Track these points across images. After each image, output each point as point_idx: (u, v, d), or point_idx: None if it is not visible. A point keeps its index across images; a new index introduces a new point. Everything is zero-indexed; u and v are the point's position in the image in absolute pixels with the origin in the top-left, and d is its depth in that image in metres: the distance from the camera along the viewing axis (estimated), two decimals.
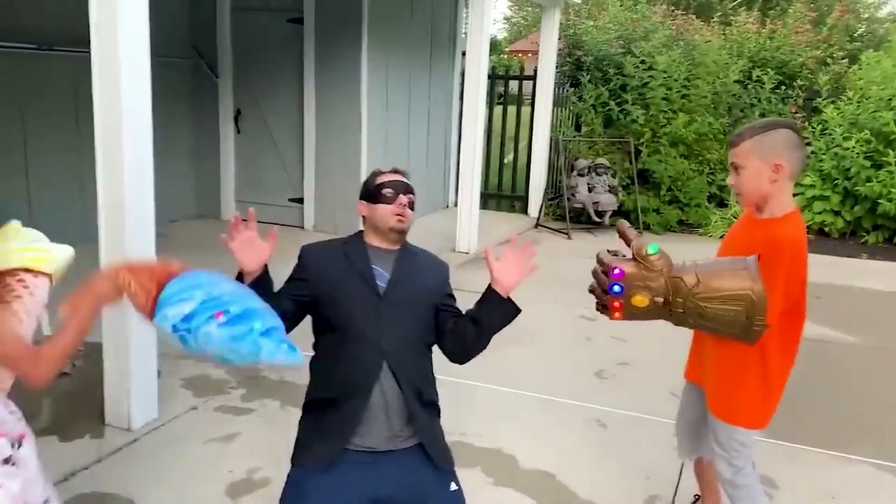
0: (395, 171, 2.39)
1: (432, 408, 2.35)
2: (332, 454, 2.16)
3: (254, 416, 3.31)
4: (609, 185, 8.11)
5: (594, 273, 2.08)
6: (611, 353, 4.33)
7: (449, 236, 6.65)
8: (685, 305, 1.99)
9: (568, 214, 7.99)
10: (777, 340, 2.11)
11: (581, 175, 8.14)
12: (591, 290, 2.10)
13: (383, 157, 7.06)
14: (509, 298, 2.20)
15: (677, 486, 2.65)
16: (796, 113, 8.52)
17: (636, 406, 3.56)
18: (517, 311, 2.24)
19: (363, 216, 2.35)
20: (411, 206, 2.34)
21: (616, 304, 2.01)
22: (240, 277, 2.10)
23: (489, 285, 2.21)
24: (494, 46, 29.56)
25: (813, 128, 8.18)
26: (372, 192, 2.35)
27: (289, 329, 2.08)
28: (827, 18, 10.02)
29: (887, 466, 3.16)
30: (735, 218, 7.80)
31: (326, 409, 2.22)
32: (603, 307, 2.07)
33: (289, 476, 2.19)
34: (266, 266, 2.13)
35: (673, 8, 10.39)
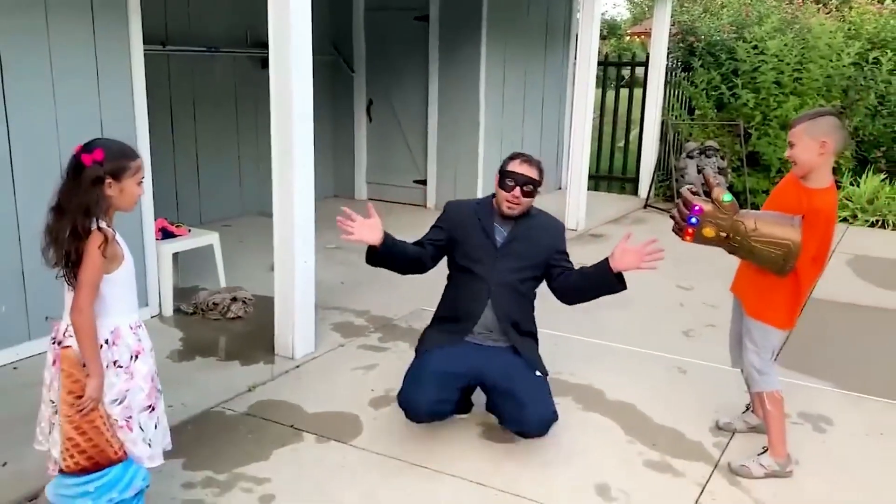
0: (527, 161, 3.04)
1: (529, 335, 3.10)
2: (451, 342, 3.02)
3: (388, 353, 4.05)
4: (718, 167, 8.36)
5: (677, 205, 2.73)
6: (701, 316, 4.79)
7: (559, 215, 7.17)
8: (741, 242, 2.65)
9: (676, 195, 8.32)
10: (807, 266, 2.73)
11: (690, 157, 8.44)
12: (672, 216, 2.77)
13: (499, 144, 7.70)
14: (619, 276, 2.88)
15: (744, 411, 3.27)
16: None
17: (716, 359, 4.00)
18: (622, 287, 2.93)
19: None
20: (530, 194, 3.01)
21: (690, 230, 2.69)
22: (370, 250, 2.88)
23: (606, 257, 2.91)
24: (615, 29, 29.41)
25: None
26: (500, 174, 3.08)
27: (431, 265, 3.05)
28: None
29: None
30: (848, 199, 7.98)
31: (446, 323, 3.07)
32: (679, 230, 2.73)
33: (416, 357, 3.09)
34: (385, 233, 2.85)
35: None
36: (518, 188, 2.99)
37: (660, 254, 2.86)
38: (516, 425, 2.93)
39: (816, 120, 2.71)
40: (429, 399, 2.85)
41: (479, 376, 2.97)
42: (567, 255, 3.18)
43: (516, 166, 3.02)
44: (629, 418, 3.39)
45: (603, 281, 2.94)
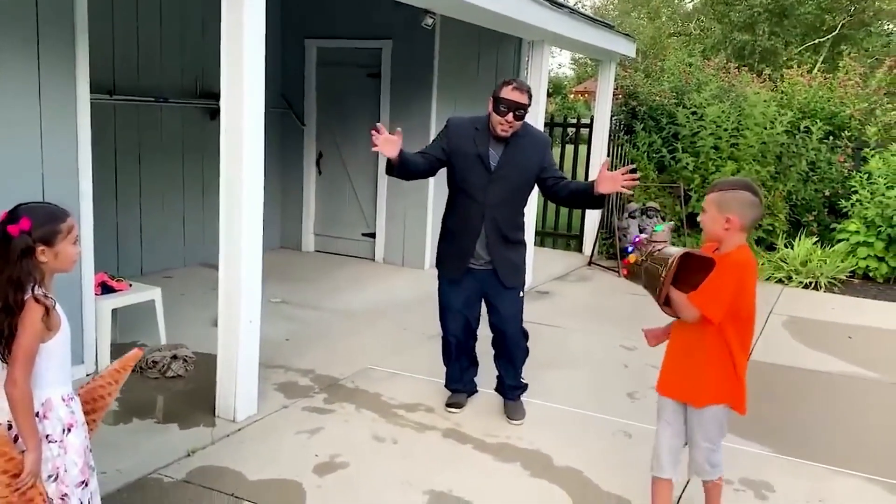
0: (517, 89, 3.45)
1: (517, 244, 3.70)
2: (459, 273, 3.72)
3: (334, 415, 3.97)
4: None
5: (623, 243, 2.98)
6: (644, 378, 4.83)
7: None
8: (643, 262, 2.66)
9: (619, 253, 8.51)
10: (735, 341, 2.64)
11: (632, 217, 8.66)
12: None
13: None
14: (601, 196, 3.39)
15: (686, 484, 3.23)
16: (844, 162, 8.87)
17: None
18: (602, 206, 3.75)
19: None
20: (521, 118, 3.47)
21: (625, 260, 2.79)
22: (389, 163, 3.36)
23: (592, 181, 3.40)
24: (559, 87, 30.25)
25: (861, 176, 8.55)
26: (494, 99, 3.48)
27: (430, 174, 3.68)
28: (877, 72, 10.33)
29: (877, 481, 3.60)
30: (783, 261, 8.27)
31: (452, 237, 3.73)
32: (621, 262, 2.87)
33: (439, 282, 3.82)
34: (401, 150, 3.34)
35: (727, 60, 10.86)
36: (511, 113, 3.42)
37: (634, 182, 3.33)
38: (499, 334, 3.89)
39: (727, 193, 2.59)
40: (459, 327, 3.85)
41: (481, 299, 3.83)
42: (554, 165, 3.68)
43: (508, 93, 3.43)
44: (577, 486, 3.38)
45: (588, 200, 3.47)
